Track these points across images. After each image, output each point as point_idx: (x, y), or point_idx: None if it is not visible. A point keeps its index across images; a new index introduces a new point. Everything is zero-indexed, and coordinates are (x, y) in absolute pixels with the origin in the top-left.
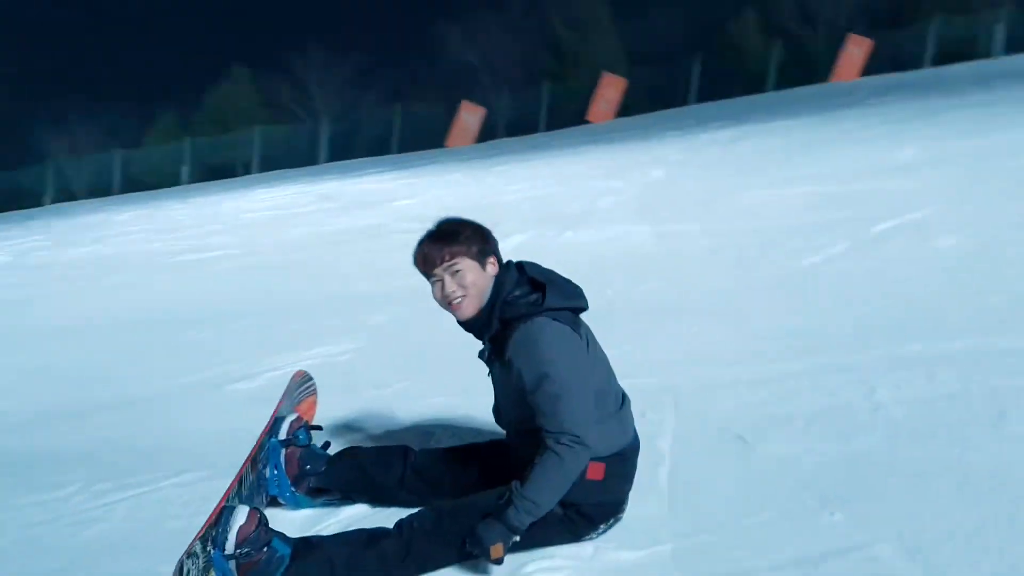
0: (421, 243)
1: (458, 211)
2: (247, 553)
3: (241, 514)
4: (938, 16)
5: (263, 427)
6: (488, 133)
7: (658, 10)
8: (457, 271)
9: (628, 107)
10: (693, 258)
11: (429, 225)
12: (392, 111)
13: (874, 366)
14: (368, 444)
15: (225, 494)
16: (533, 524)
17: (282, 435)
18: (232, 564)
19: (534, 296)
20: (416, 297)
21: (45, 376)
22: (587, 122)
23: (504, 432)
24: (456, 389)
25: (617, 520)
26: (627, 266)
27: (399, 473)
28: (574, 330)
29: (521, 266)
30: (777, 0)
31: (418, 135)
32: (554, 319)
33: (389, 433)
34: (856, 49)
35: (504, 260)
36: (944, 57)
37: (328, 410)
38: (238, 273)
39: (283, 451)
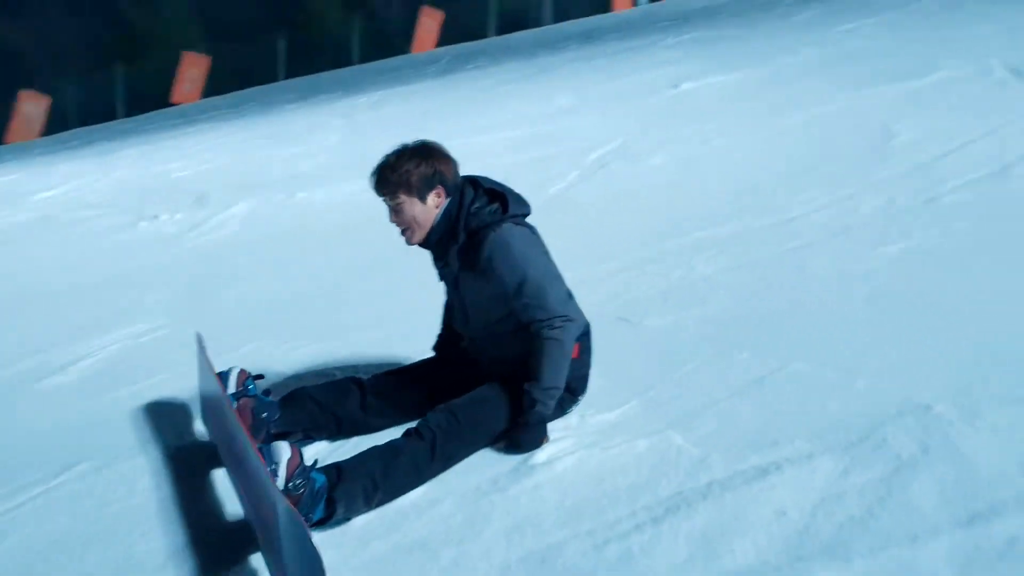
0: (373, 175)
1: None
2: (297, 485)
3: (285, 449)
4: None
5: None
6: (58, 124)
7: None
8: (398, 205)
9: (214, 87)
10: None
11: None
12: None
13: (677, 252)
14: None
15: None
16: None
17: (232, 388)
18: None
19: (494, 206)
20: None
21: None
22: (173, 104)
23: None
24: (309, 336)
25: (585, 392)
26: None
27: (359, 399)
28: (532, 231)
29: (475, 181)
30: None
31: None
32: (516, 224)
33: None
34: (428, 20)
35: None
36: (505, 27)
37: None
38: None
39: (235, 404)
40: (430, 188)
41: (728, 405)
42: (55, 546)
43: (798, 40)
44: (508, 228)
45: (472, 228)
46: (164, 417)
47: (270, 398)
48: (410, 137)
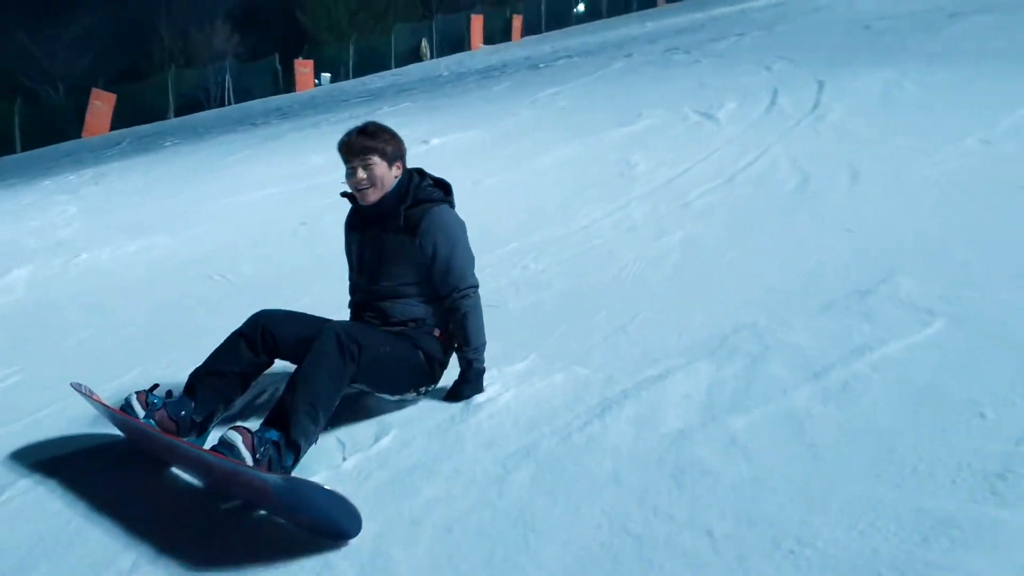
0: (348, 134)
1: None
2: (263, 452)
3: (234, 435)
4: (172, 69)
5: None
6: None
7: None
8: (369, 165)
9: None
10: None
11: None
12: None
13: (507, 257)
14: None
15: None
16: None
17: (141, 413)
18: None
19: (439, 192)
20: None
21: None
22: None
23: None
24: (157, 362)
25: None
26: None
27: (249, 348)
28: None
29: (421, 170)
30: (10, 58)
31: None
32: (451, 208)
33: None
34: (100, 103)
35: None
36: (185, 107)
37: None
38: None
39: (153, 422)
40: (396, 159)
41: (608, 344)
42: None
43: (511, 104)
44: (447, 209)
45: (420, 199)
46: (55, 446)
47: (174, 397)
48: (152, 204)
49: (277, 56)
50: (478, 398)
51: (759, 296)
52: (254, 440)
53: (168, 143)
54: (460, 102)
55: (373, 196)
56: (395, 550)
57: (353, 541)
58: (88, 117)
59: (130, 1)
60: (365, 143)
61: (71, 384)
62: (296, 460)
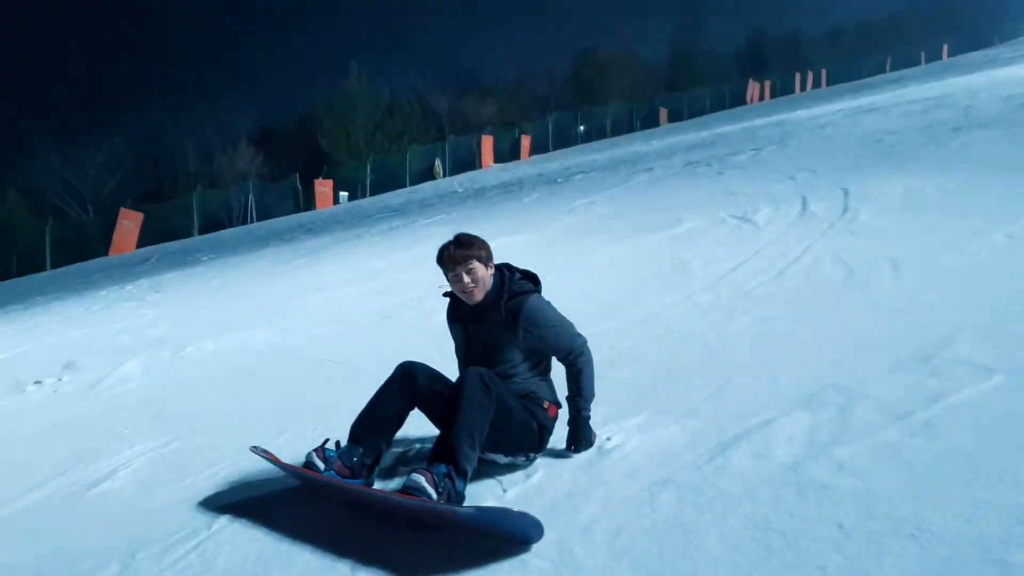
0: (447, 248)
1: None
2: (443, 488)
3: (418, 477)
4: (198, 190)
5: None
6: None
7: None
8: (472, 270)
9: None
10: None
11: None
12: None
13: (595, 336)
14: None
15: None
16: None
17: (322, 467)
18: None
19: (529, 284)
20: None
21: None
22: None
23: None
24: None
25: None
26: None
27: (403, 391)
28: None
29: (510, 266)
30: (41, 178)
31: None
32: (540, 295)
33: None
34: (128, 222)
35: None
36: (208, 226)
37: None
38: None
39: (334, 474)
40: (489, 260)
41: (710, 402)
42: None
43: (550, 212)
44: (539, 297)
45: (514, 292)
46: (231, 495)
47: (344, 447)
48: (234, 304)
49: (298, 176)
50: (607, 444)
51: (835, 361)
52: (434, 478)
53: (205, 257)
54: (495, 212)
55: (479, 295)
56: (577, 549)
57: (537, 544)
58: (116, 236)
59: (158, 125)
60: (465, 252)
61: (250, 448)
62: (465, 485)
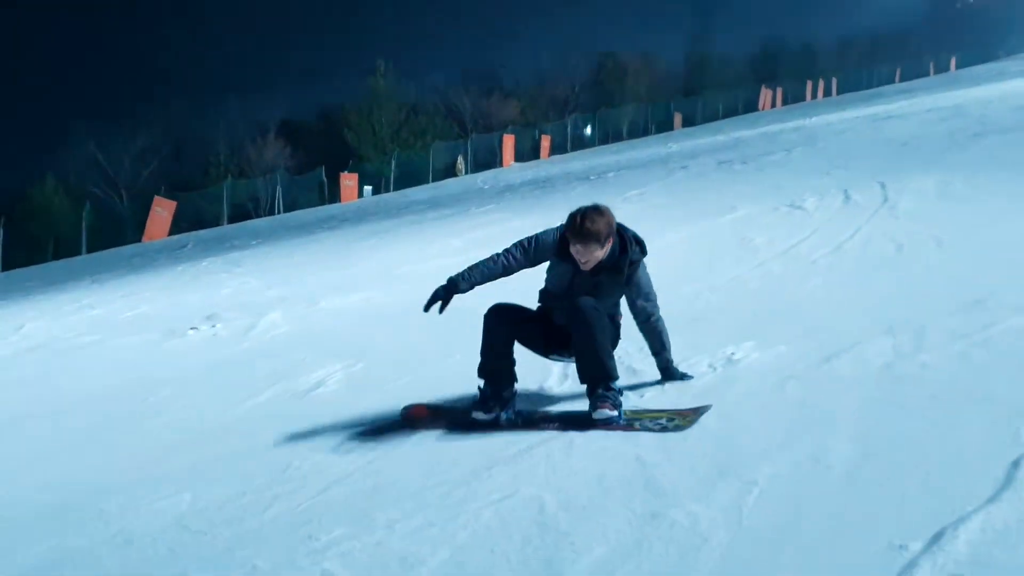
0: (579, 218)
1: None
2: (617, 407)
3: (605, 410)
4: (228, 180)
5: None
6: None
7: None
8: (591, 250)
9: None
10: None
11: None
12: None
13: (688, 296)
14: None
15: None
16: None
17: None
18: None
19: (637, 248)
20: None
21: None
22: None
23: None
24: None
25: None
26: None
27: (506, 329)
28: None
29: (621, 228)
30: (78, 165)
31: None
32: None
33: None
34: (162, 210)
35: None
36: (236, 215)
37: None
38: None
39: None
40: (608, 238)
41: (806, 335)
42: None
43: (605, 202)
44: (646, 263)
45: (633, 260)
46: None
47: (486, 388)
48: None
49: (323, 169)
50: (733, 357)
51: (902, 306)
52: (610, 402)
53: (254, 242)
54: (543, 203)
55: (590, 267)
56: (734, 417)
57: (706, 415)
58: (149, 222)
59: (190, 117)
60: (591, 237)
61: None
62: (620, 389)
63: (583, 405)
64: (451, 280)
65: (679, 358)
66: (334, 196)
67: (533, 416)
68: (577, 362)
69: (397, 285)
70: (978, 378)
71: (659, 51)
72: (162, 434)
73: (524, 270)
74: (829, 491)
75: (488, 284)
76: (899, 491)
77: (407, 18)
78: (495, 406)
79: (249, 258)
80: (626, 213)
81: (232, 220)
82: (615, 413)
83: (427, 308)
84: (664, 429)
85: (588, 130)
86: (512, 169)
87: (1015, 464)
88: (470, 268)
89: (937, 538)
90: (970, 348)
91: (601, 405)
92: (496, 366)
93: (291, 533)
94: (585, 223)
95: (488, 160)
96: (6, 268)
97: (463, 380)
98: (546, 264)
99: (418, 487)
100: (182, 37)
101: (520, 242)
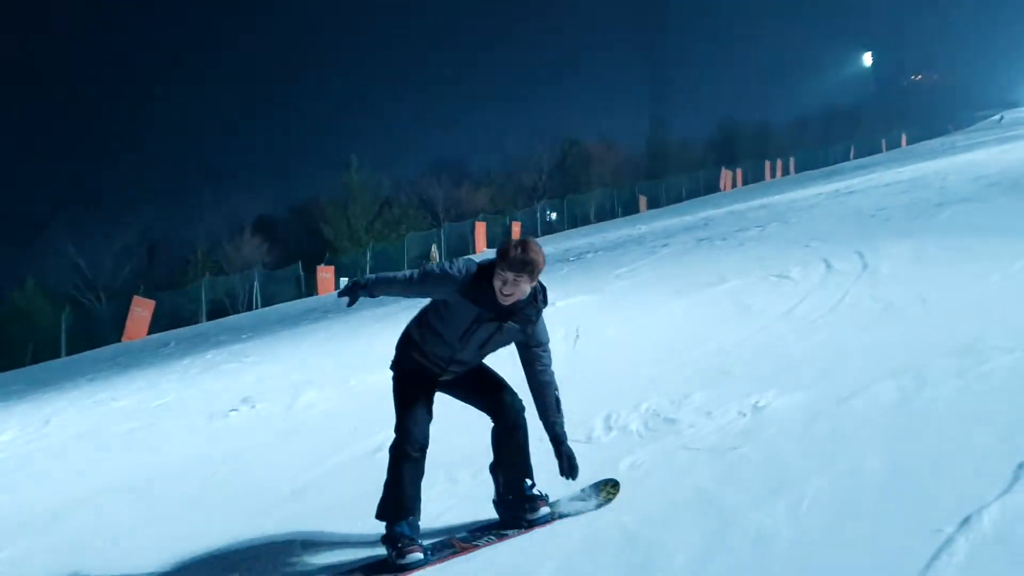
0: (515, 249)
1: None
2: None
3: (540, 510)
4: (206, 277)
5: None
6: None
7: None
8: (519, 283)
9: None
10: None
11: None
12: None
13: (707, 355)
14: None
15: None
16: None
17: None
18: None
19: (544, 298)
20: None
21: None
22: None
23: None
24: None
25: None
26: None
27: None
28: None
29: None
30: (58, 270)
31: None
32: None
33: None
34: (141, 309)
35: None
36: (213, 312)
37: None
38: None
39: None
40: (537, 275)
41: (824, 379)
42: None
43: (595, 280)
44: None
45: (540, 308)
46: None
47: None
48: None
49: (300, 264)
50: (758, 404)
51: (902, 353)
52: (542, 500)
53: (244, 335)
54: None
55: (508, 302)
56: (780, 444)
57: (746, 449)
58: (128, 323)
59: (167, 217)
60: (528, 266)
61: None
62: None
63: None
64: (365, 279)
65: (710, 408)
66: (310, 289)
67: (457, 538)
68: (504, 470)
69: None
70: (980, 404)
71: (621, 136)
72: (247, 499)
73: (417, 298)
74: (869, 496)
75: None
76: (929, 491)
77: (377, 113)
78: (415, 541)
79: (253, 349)
80: (620, 289)
81: (209, 317)
82: (548, 509)
83: (340, 295)
84: (582, 511)
85: (554, 215)
86: (484, 255)
87: (1021, 465)
88: (379, 278)
89: (966, 522)
90: (969, 383)
91: (539, 503)
92: (412, 493)
93: None
94: (528, 252)
95: (461, 247)
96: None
97: None
98: (426, 302)
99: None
100: (158, 137)
101: (426, 267)
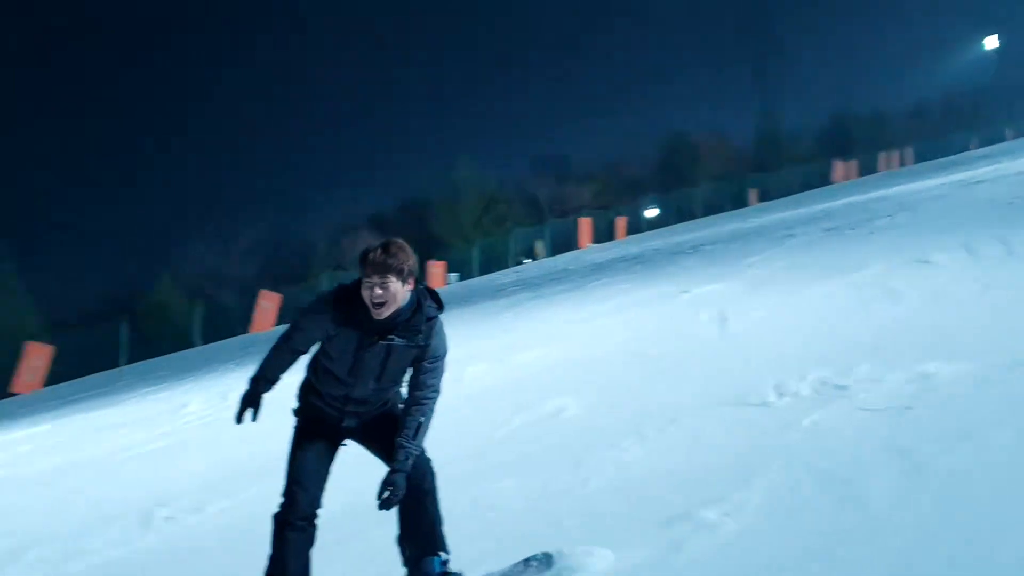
0: (373, 251)
1: None
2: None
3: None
4: (328, 272)
5: None
6: None
7: (74, 277)
8: (386, 283)
9: (57, 374)
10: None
11: None
12: None
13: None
14: None
15: None
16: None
17: None
18: None
19: (434, 303)
20: None
21: None
22: (14, 394)
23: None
24: None
25: None
26: None
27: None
28: None
29: (417, 281)
30: (191, 264)
31: None
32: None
33: None
34: (267, 303)
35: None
36: None
37: None
38: None
39: None
40: (409, 277)
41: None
42: None
43: (727, 268)
44: (441, 321)
45: (428, 316)
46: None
47: None
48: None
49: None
50: (929, 368)
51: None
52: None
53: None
54: (667, 271)
55: (387, 312)
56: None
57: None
58: (255, 315)
59: (291, 216)
60: (388, 262)
61: None
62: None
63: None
64: (251, 381)
65: (877, 376)
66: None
67: None
68: (409, 543)
69: (565, 342)
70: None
71: (728, 128)
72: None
73: (309, 350)
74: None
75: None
76: None
77: (484, 112)
78: None
79: None
80: (756, 276)
81: None
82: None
83: (239, 419)
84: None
85: (656, 210)
86: (590, 250)
87: None
88: (261, 365)
89: None
90: None
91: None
92: (297, 569)
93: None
94: (388, 250)
95: (567, 242)
96: (131, 362)
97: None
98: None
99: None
100: (277, 140)
101: (290, 322)
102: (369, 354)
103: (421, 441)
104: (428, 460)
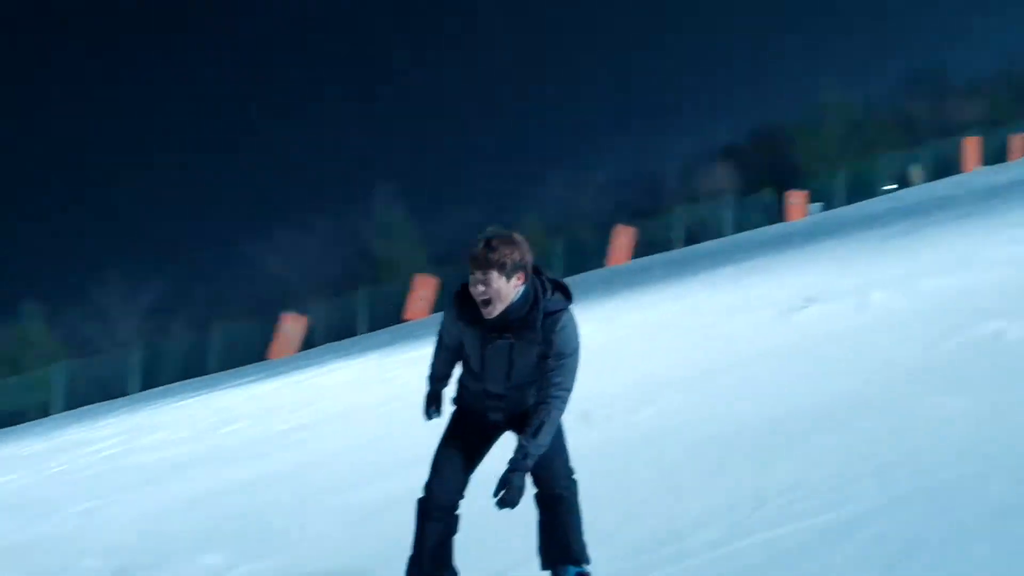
0: (475, 248)
1: None
2: None
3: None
4: (682, 205)
5: None
6: (310, 341)
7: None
8: (488, 280)
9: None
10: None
11: None
12: (206, 332)
13: None
14: None
15: None
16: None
17: None
18: None
19: (558, 295)
20: None
21: None
22: (405, 320)
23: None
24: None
25: None
26: None
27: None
28: None
29: (538, 270)
30: (552, 203)
31: (236, 352)
32: (572, 312)
33: None
34: (623, 238)
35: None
36: (685, 241)
37: None
38: None
39: None
40: (516, 272)
41: None
42: None
43: None
44: (572, 313)
45: (548, 311)
46: None
47: None
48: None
49: (772, 190)
50: None
51: None
52: None
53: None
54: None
55: (495, 311)
56: None
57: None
58: (611, 250)
59: (642, 150)
60: (487, 258)
61: None
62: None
63: None
64: (427, 380)
65: None
66: (781, 216)
67: None
68: (544, 549)
69: (982, 267)
70: None
71: None
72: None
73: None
74: None
75: None
76: None
77: (850, 25)
78: None
79: (766, 265)
80: None
81: (684, 244)
82: None
83: (427, 416)
84: None
85: None
86: (979, 174)
87: None
88: (431, 363)
89: None
90: None
91: None
92: (436, 554)
93: None
94: (490, 243)
95: (947, 166)
96: None
97: None
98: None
99: None
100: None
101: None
102: (492, 351)
103: (544, 440)
104: (566, 464)
